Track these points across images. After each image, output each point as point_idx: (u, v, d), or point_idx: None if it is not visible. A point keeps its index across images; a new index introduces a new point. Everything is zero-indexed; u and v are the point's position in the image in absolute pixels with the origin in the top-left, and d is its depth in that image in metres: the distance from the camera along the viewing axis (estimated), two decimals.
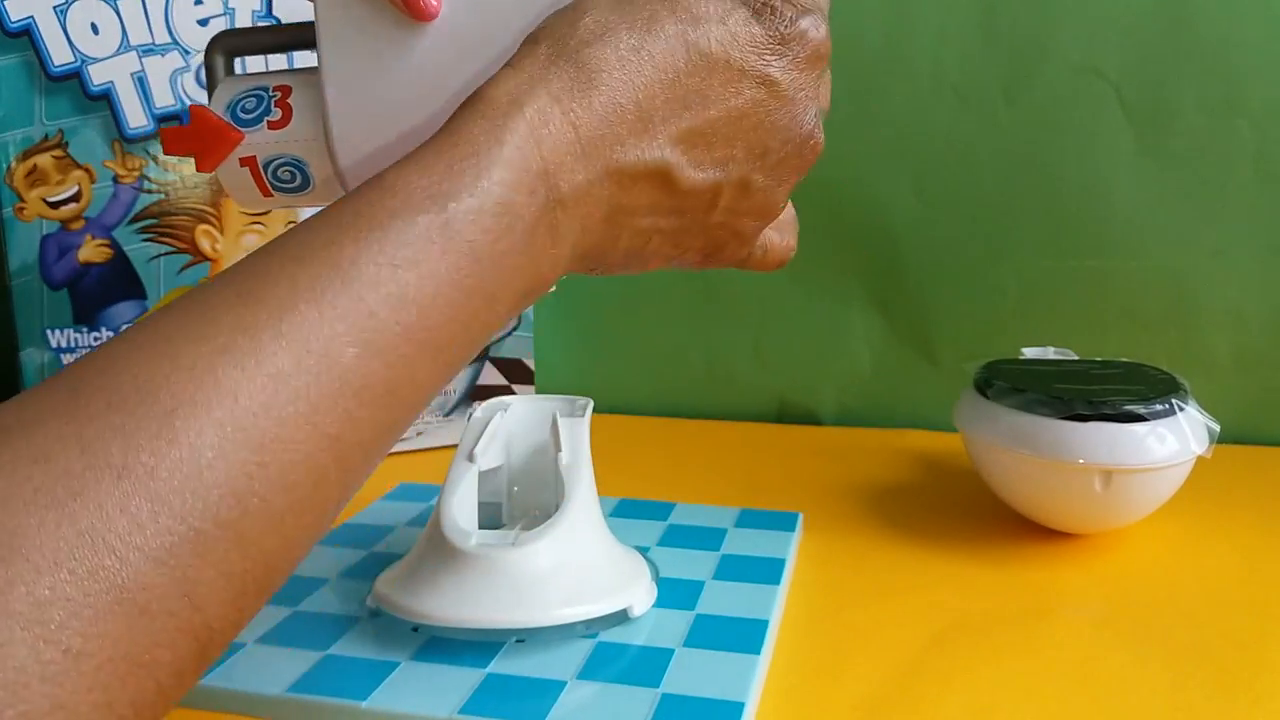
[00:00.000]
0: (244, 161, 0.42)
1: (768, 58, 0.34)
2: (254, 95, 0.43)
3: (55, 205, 0.69)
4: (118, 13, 0.68)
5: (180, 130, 0.42)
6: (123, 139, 0.69)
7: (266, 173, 0.43)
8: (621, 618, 0.48)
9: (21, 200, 0.68)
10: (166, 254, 0.71)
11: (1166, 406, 0.56)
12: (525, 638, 0.46)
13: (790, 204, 0.42)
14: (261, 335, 0.26)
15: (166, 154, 0.43)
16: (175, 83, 0.69)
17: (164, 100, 0.69)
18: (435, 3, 0.37)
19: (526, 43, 0.34)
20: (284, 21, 0.70)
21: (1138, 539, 0.60)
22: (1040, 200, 0.77)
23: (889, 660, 0.48)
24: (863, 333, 0.82)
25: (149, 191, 0.70)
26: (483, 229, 0.29)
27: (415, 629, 0.47)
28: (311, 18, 0.40)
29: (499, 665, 0.45)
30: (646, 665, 0.45)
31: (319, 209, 0.31)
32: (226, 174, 0.43)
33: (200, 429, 0.24)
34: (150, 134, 0.69)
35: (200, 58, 0.69)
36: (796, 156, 0.37)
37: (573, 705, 0.42)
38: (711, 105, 0.34)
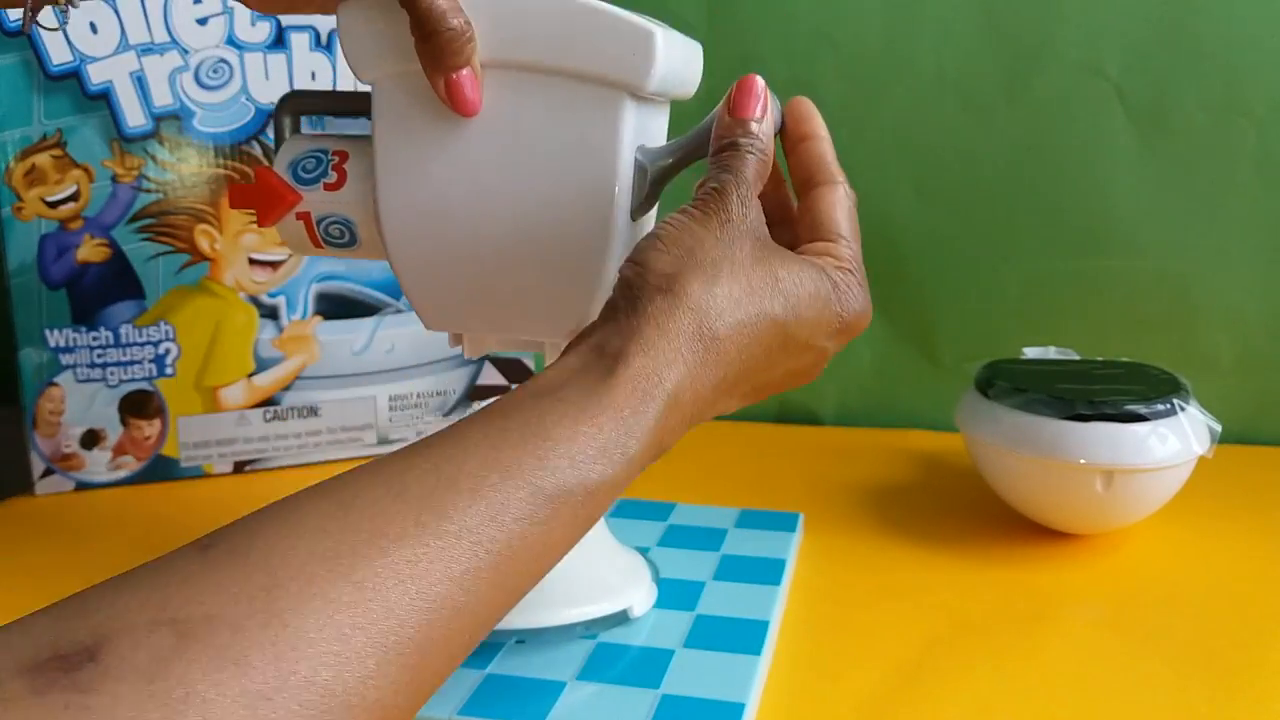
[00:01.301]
0: (300, 216, 0.47)
1: (833, 334, 0.41)
2: (314, 157, 0.47)
3: (54, 205, 0.69)
4: (116, 12, 0.68)
5: (245, 188, 0.47)
6: (121, 138, 0.69)
7: (319, 228, 0.47)
8: (622, 618, 0.48)
9: (20, 199, 0.68)
10: (165, 253, 0.71)
11: (1168, 406, 0.56)
12: (525, 638, 0.46)
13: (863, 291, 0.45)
14: (379, 568, 0.28)
15: (232, 207, 0.47)
16: (174, 82, 0.69)
17: (163, 100, 0.69)
18: (475, 101, 0.41)
19: (666, 299, 0.36)
20: (283, 22, 0.70)
21: (1139, 539, 0.60)
22: (1042, 200, 0.76)
23: (890, 661, 0.47)
24: (864, 333, 0.82)
25: (148, 191, 0.70)
26: (608, 495, 0.34)
27: None
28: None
29: (499, 665, 0.45)
30: (647, 666, 0.45)
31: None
32: (283, 225, 0.47)
33: (369, 641, 0.27)
34: (149, 133, 0.69)
35: (199, 57, 0.69)
36: (820, 365, 0.42)
37: (573, 706, 0.42)
38: (778, 368, 0.39)
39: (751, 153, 0.40)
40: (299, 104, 0.49)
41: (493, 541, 0.30)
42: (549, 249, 0.43)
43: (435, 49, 0.40)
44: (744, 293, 0.37)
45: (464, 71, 0.40)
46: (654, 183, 0.43)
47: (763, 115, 0.41)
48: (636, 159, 0.43)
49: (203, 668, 0.24)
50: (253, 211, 0.47)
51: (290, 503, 0.29)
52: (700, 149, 0.42)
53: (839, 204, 0.44)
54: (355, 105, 0.48)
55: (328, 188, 0.46)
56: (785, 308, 0.38)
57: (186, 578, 0.26)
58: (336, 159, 0.46)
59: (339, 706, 0.26)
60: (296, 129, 0.49)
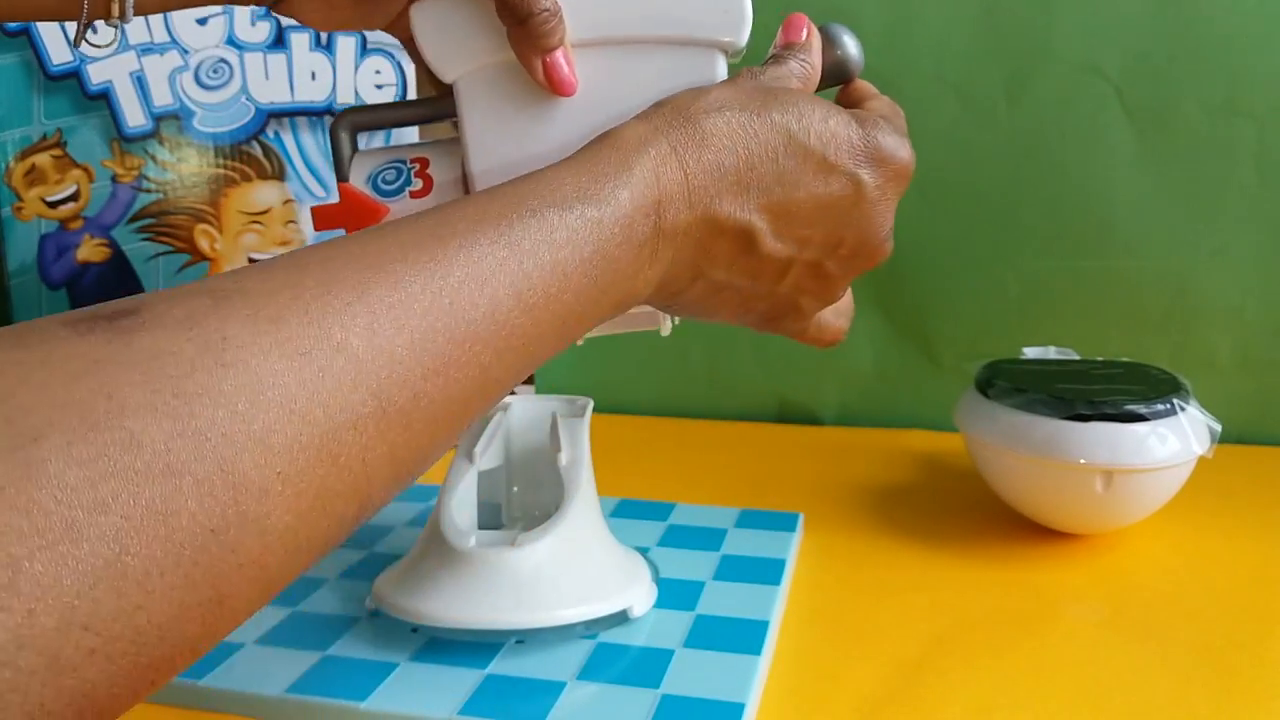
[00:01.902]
0: None
1: (860, 160, 0.40)
2: (393, 168, 0.46)
3: (54, 205, 0.69)
4: None
5: (331, 208, 0.46)
6: (121, 138, 0.69)
7: None
8: (621, 618, 0.48)
9: (20, 199, 0.68)
10: (165, 253, 0.71)
11: (1168, 406, 0.56)
12: (525, 638, 0.46)
13: (850, 292, 0.46)
14: (450, 269, 0.31)
15: (317, 230, 0.47)
16: (174, 82, 0.69)
17: (162, 100, 0.69)
18: (572, 81, 0.42)
19: (655, 105, 0.39)
20: (283, 22, 0.70)
21: (1139, 539, 0.60)
22: (1041, 200, 0.76)
23: (890, 660, 0.48)
24: (864, 332, 0.82)
25: (147, 191, 0.70)
26: (613, 233, 0.35)
27: (415, 629, 0.47)
28: (418, 93, 0.43)
29: (499, 666, 0.45)
30: (647, 666, 0.45)
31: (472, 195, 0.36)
32: None
33: (398, 330, 0.29)
34: (149, 133, 0.69)
35: (199, 57, 0.69)
36: (865, 256, 0.42)
37: (573, 706, 0.42)
38: (801, 188, 0.39)
39: (794, 58, 0.42)
40: (356, 120, 0.48)
41: (510, 258, 0.32)
42: None
43: (529, 31, 0.40)
44: (736, 97, 0.39)
45: (558, 51, 0.41)
46: None
47: (808, 38, 0.43)
48: None
49: (239, 321, 0.26)
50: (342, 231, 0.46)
51: (332, 243, 0.31)
52: None
53: (878, 96, 0.45)
54: (416, 114, 0.48)
55: (414, 195, 0.45)
56: (782, 103, 0.39)
57: (223, 274, 0.29)
58: (417, 166, 0.46)
59: (370, 374, 0.28)
60: (354, 146, 0.49)
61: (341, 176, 0.46)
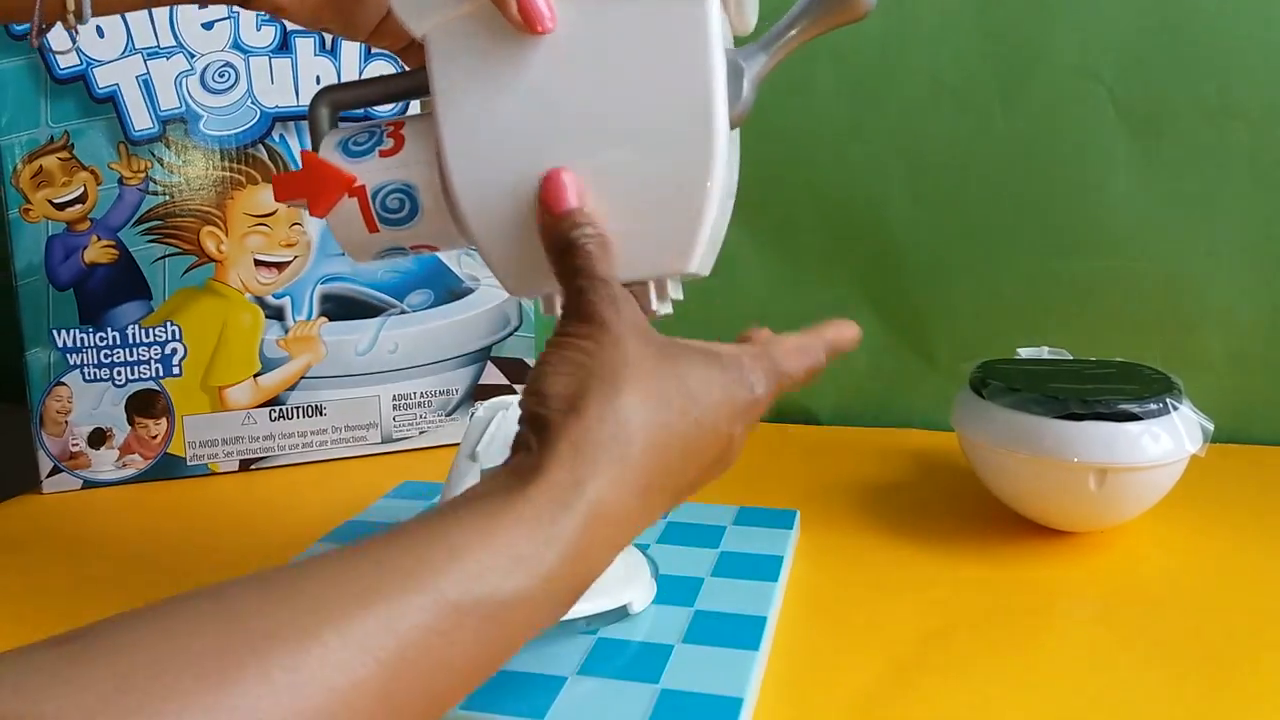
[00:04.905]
0: (354, 193, 0.43)
1: (740, 424, 0.39)
2: (366, 131, 0.44)
3: (61, 206, 0.69)
4: (123, 17, 0.68)
5: (292, 176, 0.43)
6: (128, 141, 0.70)
7: (376, 202, 0.43)
8: (621, 614, 0.49)
9: (28, 201, 0.69)
10: (171, 255, 0.72)
11: (1160, 406, 0.57)
12: None
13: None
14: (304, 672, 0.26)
15: (278, 200, 0.44)
16: (180, 85, 0.70)
17: (169, 103, 0.70)
18: (549, 15, 0.39)
19: (574, 410, 0.35)
20: (288, 26, 0.70)
21: (1132, 537, 0.61)
22: (1036, 202, 0.77)
23: (886, 656, 0.48)
24: (862, 333, 0.82)
25: (154, 193, 0.71)
26: (527, 613, 0.32)
27: None
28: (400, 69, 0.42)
29: None
30: (646, 661, 0.46)
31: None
32: (336, 213, 0.43)
33: None
34: (156, 136, 0.70)
35: (205, 61, 0.70)
36: (719, 468, 0.40)
37: (573, 701, 0.43)
38: (694, 466, 0.37)
39: (588, 241, 0.39)
40: (334, 97, 0.46)
41: (383, 650, 0.27)
42: (645, 175, 0.39)
43: None
44: (653, 398, 0.36)
45: None
46: (751, 84, 0.40)
47: (579, 201, 0.40)
48: (729, 58, 0.40)
49: None
50: (303, 202, 0.43)
51: (169, 602, 0.27)
52: (795, 25, 0.41)
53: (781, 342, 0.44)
54: (394, 89, 0.46)
55: (384, 154, 0.43)
56: (697, 407, 0.37)
57: (40, 669, 0.25)
58: (391, 128, 0.44)
59: None
60: (334, 124, 0.46)
61: (314, 150, 0.44)
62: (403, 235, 0.44)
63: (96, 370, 0.71)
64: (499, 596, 0.30)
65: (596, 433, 0.34)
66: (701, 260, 0.42)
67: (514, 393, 0.77)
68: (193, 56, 0.70)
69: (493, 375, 0.80)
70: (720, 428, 0.38)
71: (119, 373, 0.72)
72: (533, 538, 0.32)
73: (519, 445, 0.35)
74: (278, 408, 0.75)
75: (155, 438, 0.73)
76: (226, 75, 0.71)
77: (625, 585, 0.50)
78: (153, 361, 0.72)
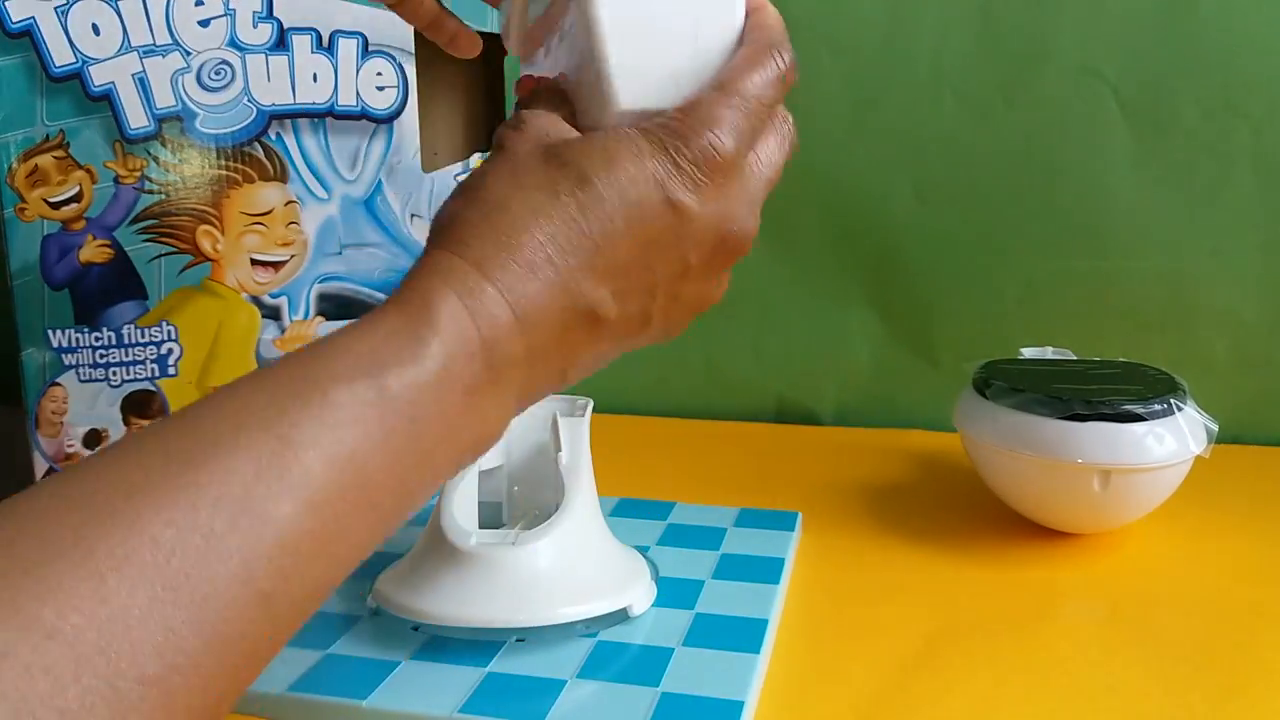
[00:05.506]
0: None
1: (671, 185, 0.35)
2: None
3: (56, 205, 0.69)
4: (119, 13, 0.68)
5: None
6: (124, 140, 0.69)
7: None
8: (621, 617, 0.48)
9: (23, 200, 0.68)
10: (168, 254, 0.71)
11: (1164, 406, 0.56)
12: (525, 637, 0.47)
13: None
14: (199, 496, 0.26)
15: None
16: (176, 83, 0.69)
17: (165, 101, 0.69)
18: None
19: (436, 227, 0.35)
20: (285, 23, 0.70)
21: (1136, 539, 0.60)
22: (1039, 201, 0.77)
23: (888, 659, 0.48)
24: (862, 332, 0.82)
25: (150, 192, 0.70)
26: (418, 394, 0.31)
27: (415, 628, 0.47)
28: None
29: (499, 664, 0.45)
30: (646, 664, 0.45)
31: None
32: None
33: (132, 588, 0.24)
34: (151, 135, 0.69)
35: (201, 59, 0.70)
36: (721, 255, 0.38)
37: (573, 704, 0.43)
38: (620, 242, 0.35)
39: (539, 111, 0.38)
40: None
41: (321, 451, 0.28)
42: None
43: None
44: (515, 183, 0.35)
45: None
46: None
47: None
48: None
49: None
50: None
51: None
52: None
53: (757, 35, 0.39)
54: None
55: None
56: (575, 177, 0.34)
57: None
58: None
59: (99, 661, 0.23)
60: None
61: None
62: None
63: (92, 371, 0.71)
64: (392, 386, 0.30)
65: (468, 211, 0.34)
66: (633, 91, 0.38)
67: None
68: (189, 54, 0.69)
69: None
70: (645, 196, 0.35)
71: (114, 373, 0.71)
72: (401, 318, 0.32)
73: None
74: None
75: None
76: (223, 73, 0.70)
77: (625, 588, 0.49)
78: (148, 362, 0.72)
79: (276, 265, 0.73)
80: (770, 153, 0.40)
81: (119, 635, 0.24)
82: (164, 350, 0.72)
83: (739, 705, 0.42)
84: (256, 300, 0.73)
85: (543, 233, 0.34)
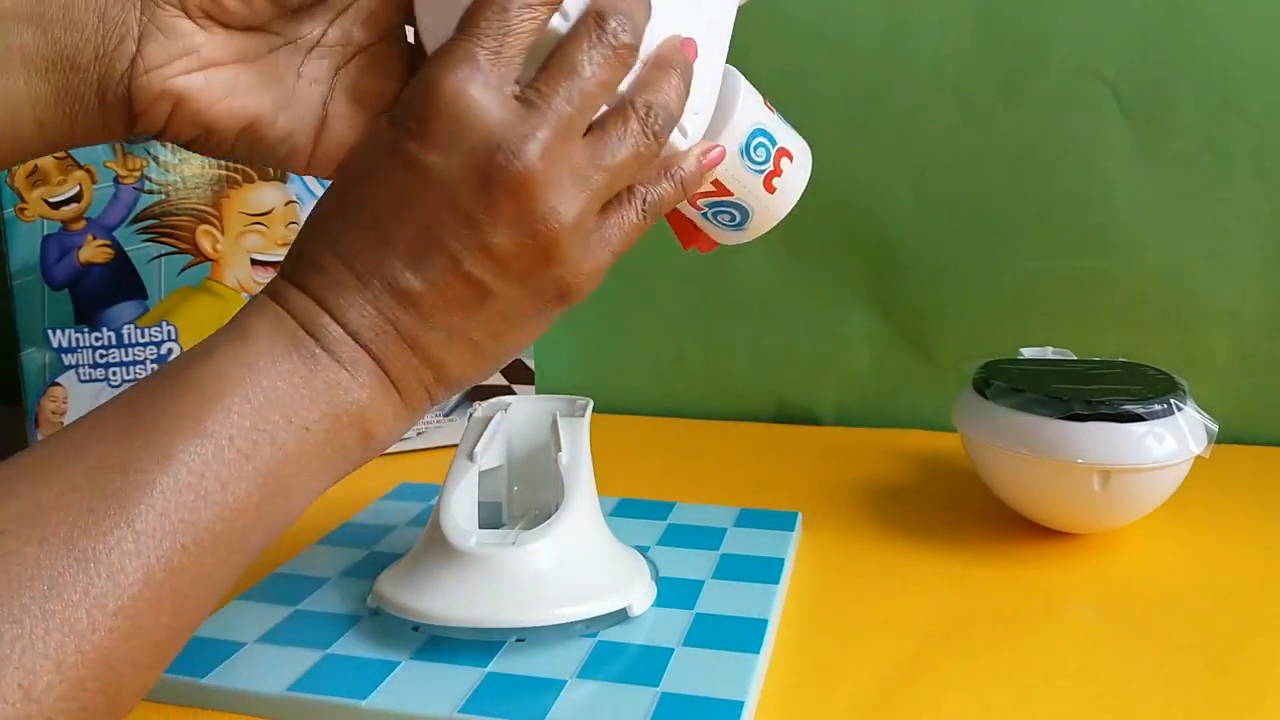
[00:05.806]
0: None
1: (400, 145, 0.35)
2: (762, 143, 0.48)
3: (56, 205, 0.69)
4: None
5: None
6: (123, 140, 0.69)
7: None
8: (621, 617, 0.48)
9: (23, 200, 0.68)
10: (167, 254, 0.71)
11: (1164, 406, 0.56)
12: (525, 637, 0.47)
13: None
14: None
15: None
16: None
17: None
18: None
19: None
20: None
21: (1136, 538, 0.60)
22: (1038, 201, 0.77)
23: (888, 659, 0.48)
24: (862, 333, 0.82)
25: (150, 192, 0.70)
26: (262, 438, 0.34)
27: (415, 628, 0.47)
28: None
29: (499, 664, 0.45)
30: (646, 664, 0.45)
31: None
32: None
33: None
34: None
35: None
36: (505, 200, 0.35)
37: (573, 704, 0.43)
38: (381, 217, 0.35)
39: None
40: None
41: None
42: None
43: None
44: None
45: None
46: None
47: None
48: None
49: None
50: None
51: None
52: None
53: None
54: None
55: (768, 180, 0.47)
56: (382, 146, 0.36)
57: None
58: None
59: None
60: None
61: None
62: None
63: (92, 370, 0.71)
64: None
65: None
66: None
67: (513, 393, 0.77)
68: None
69: (491, 376, 0.79)
70: (377, 164, 0.35)
71: (114, 373, 0.71)
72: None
73: None
74: None
75: None
76: None
77: (625, 588, 0.49)
78: (148, 362, 0.72)
79: (277, 265, 0.73)
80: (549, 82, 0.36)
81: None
82: (164, 350, 0.72)
83: (739, 705, 0.42)
84: None
85: (321, 232, 0.36)
